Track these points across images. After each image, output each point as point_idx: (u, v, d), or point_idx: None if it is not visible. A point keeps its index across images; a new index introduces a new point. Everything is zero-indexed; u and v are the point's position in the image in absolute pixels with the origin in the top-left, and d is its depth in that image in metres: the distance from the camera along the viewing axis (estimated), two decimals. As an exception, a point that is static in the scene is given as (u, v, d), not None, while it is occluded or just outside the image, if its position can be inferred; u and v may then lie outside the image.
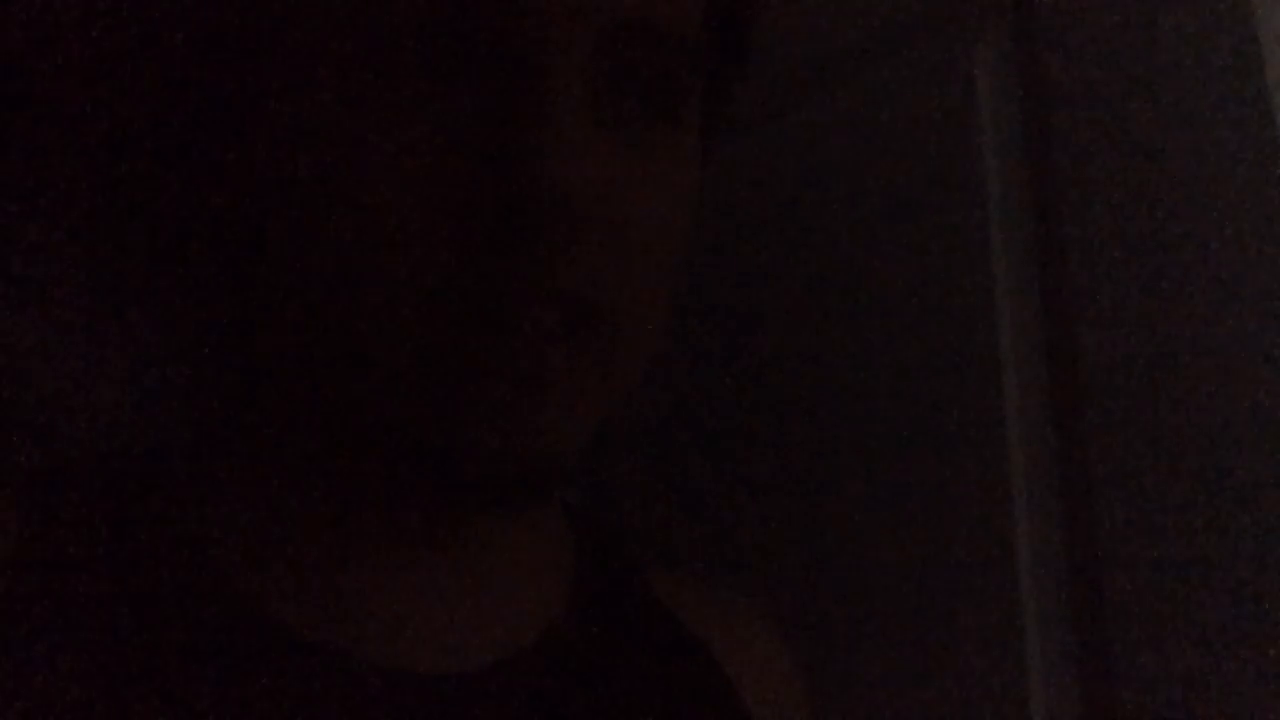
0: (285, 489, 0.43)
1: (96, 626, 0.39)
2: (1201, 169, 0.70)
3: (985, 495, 0.78)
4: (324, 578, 0.42)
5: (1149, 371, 0.71)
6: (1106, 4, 0.75)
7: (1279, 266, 0.67)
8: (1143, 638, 0.69)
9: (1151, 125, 0.73)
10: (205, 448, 0.46)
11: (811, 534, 0.88)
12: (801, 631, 0.83)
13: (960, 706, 0.76)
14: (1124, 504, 0.71)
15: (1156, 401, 0.70)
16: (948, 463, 0.80)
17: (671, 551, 0.94)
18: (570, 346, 0.38)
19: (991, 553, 0.77)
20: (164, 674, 0.39)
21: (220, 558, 0.42)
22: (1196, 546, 0.68)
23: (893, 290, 0.86)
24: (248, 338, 0.45)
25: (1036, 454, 0.77)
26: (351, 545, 0.43)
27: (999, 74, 0.81)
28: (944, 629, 0.78)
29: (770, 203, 0.93)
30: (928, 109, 0.84)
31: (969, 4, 0.83)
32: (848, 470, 0.87)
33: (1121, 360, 0.73)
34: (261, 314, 0.43)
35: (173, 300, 0.51)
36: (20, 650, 0.38)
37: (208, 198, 0.43)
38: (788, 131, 0.92)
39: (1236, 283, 0.68)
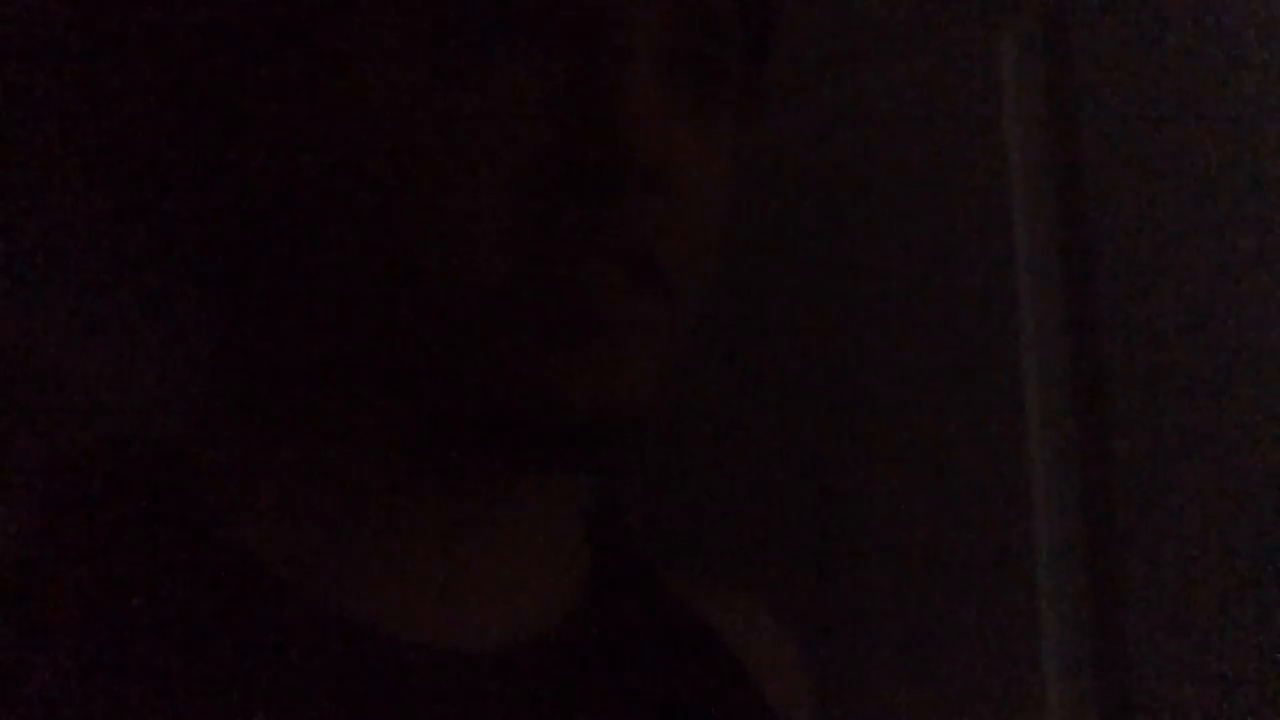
0: (309, 468, 0.44)
1: (120, 613, 0.39)
2: (1231, 162, 0.69)
3: (1004, 492, 0.78)
4: (347, 555, 0.43)
5: (1172, 367, 0.71)
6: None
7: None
8: (1161, 639, 0.69)
9: (1180, 116, 0.72)
10: (225, 429, 0.46)
11: (826, 529, 0.88)
12: (814, 627, 0.83)
13: (975, 705, 0.76)
14: (1145, 504, 0.71)
15: (1180, 399, 0.70)
16: (966, 459, 0.80)
17: (683, 547, 0.93)
18: (639, 300, 0.41)
19: (1010, 551, 0.76)
20: (185, 650, 0.39)
21: (243, 535, 0.43)
22: (1218, 545, 0.67)
23: (913, 283, 0.85)
24: (279, 314, 0.45)
25: (1057, 451, 0.77)
26: (368, 524, 0.43)
27: (1025, 64, 0.81)
28: (960, 627, 0.78)
29: (788, 193, 0.93)
30: (952, 99, 0.83)
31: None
32: (864, 466, 0.86)
33: (1144, 356, 0.72)
34: (308, 282, 0.43)
35: (198, 272, 0.51)
36: (44, 639, 0.38)
37: (267, 158, 0.43)
38: (807, 121, 0.92)
39: (1264, 278, 0.67)
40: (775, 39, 0.50)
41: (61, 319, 0.56)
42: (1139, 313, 0.72)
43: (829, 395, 0.89)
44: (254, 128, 0.43)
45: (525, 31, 0.40)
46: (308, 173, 0.42)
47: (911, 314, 0.85)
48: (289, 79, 0.42)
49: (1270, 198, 0.67)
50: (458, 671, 0.42)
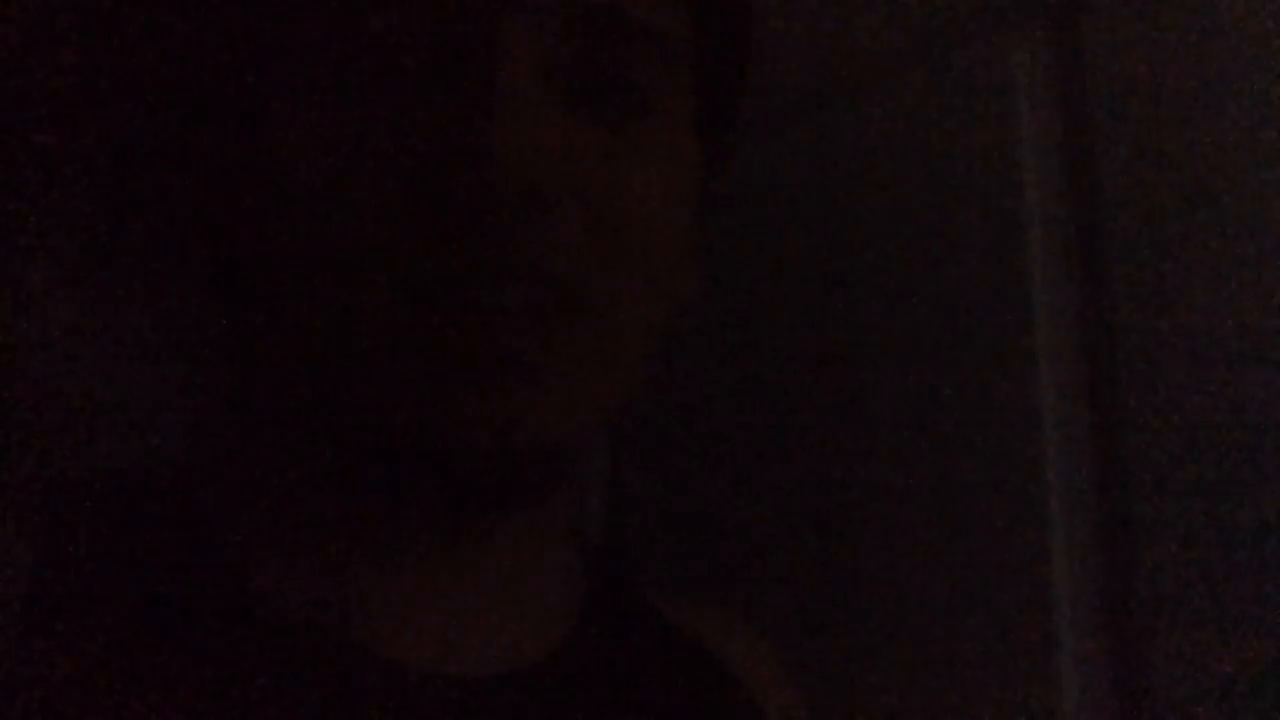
0: (295, 492, 0.44)
1: (117, 636, 0.39)
2: (1245, 167, 0.69)
3: (1019, 496, 0.77)
4: (338, 577, 0.43)
5: (1186, 368, 0.70)
6: (1148, 10, 0.74)
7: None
8: (1177, 641, 0.68)
9: (1192, 131, 0.71)
10: (213, 456, 0.46)
11: (830, 531, 0.87)
12: (822, 635, 0.83)
13: (989, 710, 0.75)
14: (1160, 505, 0.70)
15: (1194, 405, 0.69)
16: (981, 468, 0.79)
17: (683, 558, 0.94)
18: (547, 329, 0.38)
19: (1024, 556, 0.76)
20: (184, 672, 0.39)
21: (242, 561, 0.43)
22: (1235, 546, 0.66)
23: (927, 297, 0.85)
24: (247, 344, 0.46)
25: (1071, 451, 0.77)
26: (363, 546, 0.43)
27: (1038, 80, 0.80)
28: (974, 634, 0.77)
29: (801, 208, 0.93)
30: (965, 115, 0.83)
31: (1008, 9, 0.82)
32: (874, 475, 0.86)
33: (1159, 355, 0.72)
34: (257, 320, 0.43)
35: (177, 311, 0.52)
36: (41, 661, 0.38)
37: (203, 207, 0.43)
38: (821, 136, 0.92)
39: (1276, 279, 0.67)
40: (745, 33, 0.47)
41: (68, 346, 0.57)
42: (1152, 314, 0.72)
43: (837, 400, 0.89)
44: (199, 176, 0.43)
45: (411, 54, 0.38)
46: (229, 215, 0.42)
47: (926, 320, 0.85)
48: (221, 135, 0.42)
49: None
50: (455, 696, 0.42)
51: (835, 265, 0.91)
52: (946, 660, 0.78)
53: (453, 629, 0.44)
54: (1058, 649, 0.74)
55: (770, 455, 0.93)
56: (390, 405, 0.39)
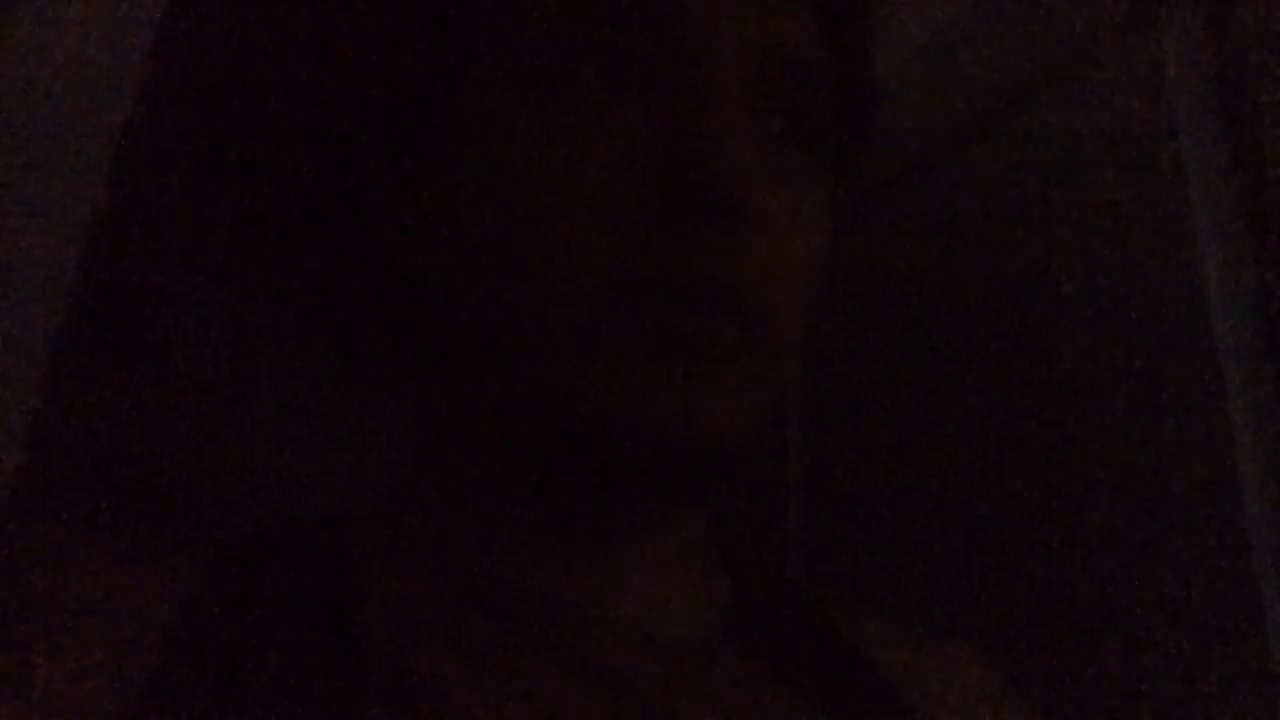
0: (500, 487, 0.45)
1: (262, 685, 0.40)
2: None
3: (1211, 501, 0.73)
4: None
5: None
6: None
7: None
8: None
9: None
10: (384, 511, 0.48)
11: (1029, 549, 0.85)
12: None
13: None
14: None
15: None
16: (1169, 466, 0.76)
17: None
18: (736, 333, 0.41)
19: (1225, 562, 0.72)
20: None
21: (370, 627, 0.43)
22: None
23: (1099, 297, 0.83)
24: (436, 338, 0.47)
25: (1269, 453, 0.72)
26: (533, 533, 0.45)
27: (1191, 65, 0.79)
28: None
29: (965, 215, 0.92)
30: (1120, 105, 0.82)
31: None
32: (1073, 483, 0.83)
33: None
34: (444, 322, 0.45)
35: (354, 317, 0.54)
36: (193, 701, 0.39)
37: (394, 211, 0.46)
38: (983, 146, 0.91)
39: None
40: (874, 117, 0.50)
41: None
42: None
43: (1026, 408, 0.87)
44: (385, 187, 0.46)
45: (627, 77, 0.42)
46: (433, 225, 0.45)
47: (1097, 327, 0.82)
48: (412, 138, 0.45)
49: None
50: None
51: (998, 266, 0.90)
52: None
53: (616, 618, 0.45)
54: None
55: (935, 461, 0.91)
56: (586, 388, 0.41)
